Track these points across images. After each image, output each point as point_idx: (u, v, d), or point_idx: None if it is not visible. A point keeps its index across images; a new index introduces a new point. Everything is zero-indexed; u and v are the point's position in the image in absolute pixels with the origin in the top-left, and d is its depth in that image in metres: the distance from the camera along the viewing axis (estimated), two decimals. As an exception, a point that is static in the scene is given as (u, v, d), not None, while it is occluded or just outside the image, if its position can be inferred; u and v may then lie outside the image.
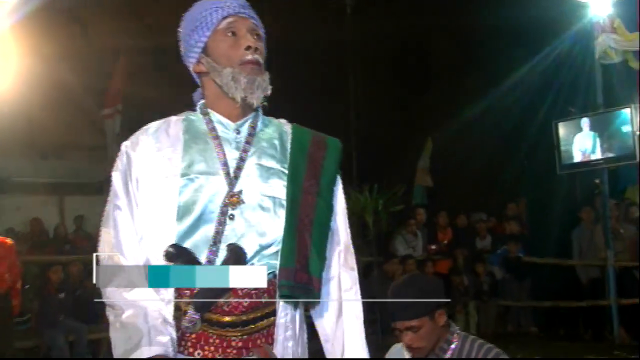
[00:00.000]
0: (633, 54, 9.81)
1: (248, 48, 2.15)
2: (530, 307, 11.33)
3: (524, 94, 13.85)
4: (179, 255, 2.03)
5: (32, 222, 12.90)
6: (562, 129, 11.02)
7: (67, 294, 9.25)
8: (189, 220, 2.07)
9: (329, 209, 2.25)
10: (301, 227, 2.15)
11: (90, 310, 9.22)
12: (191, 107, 2.37)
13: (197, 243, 2.07)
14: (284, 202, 2.16)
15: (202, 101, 2.31)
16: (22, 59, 9.09)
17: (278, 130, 2.33)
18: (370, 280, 11.37)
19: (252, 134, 2.24)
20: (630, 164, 10.70)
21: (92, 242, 13.61)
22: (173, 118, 2.30)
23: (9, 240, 7.83)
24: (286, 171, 2.21)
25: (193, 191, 2.11)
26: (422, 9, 16.96)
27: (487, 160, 15.29)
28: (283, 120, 2.41)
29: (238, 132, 2.23)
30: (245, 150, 2.20)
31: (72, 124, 14.69)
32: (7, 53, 8.18)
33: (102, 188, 13.60)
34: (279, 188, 2.16)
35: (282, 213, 2.16)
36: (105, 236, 2.12)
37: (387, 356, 3.21)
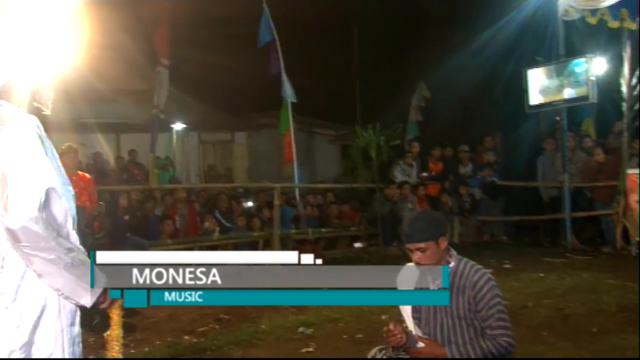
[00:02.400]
0: (589, 11, 9.72)
1: None
2: (502, 221, 11.67)
3: (499, 45, 13.63)
4: None
5: (95, 155, 13.38)
6: (530, 75, 10.99)
7: (130, 215, 9.59)
8: None
9: None
10: None
11: (149, 228, 9.70)
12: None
13: None
14: None
15: None
16: (88, 23, 9.30)
17: None
18: (374, 200, 11.82)
19: None
20: (585, 103, 10.95)
21: (143, 171, 14.12)
22: None
23: (87, 175, 8.14)
24: None
25: None
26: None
27: (468, 100, 15.32)
28: None
29: None
30: None
31: (123, 73, 14.82)
32: (76, 20, 8.31)
33: (147, 127, 14.10)
34: None
35: None
36: None
37: (401, 272, 3.14)
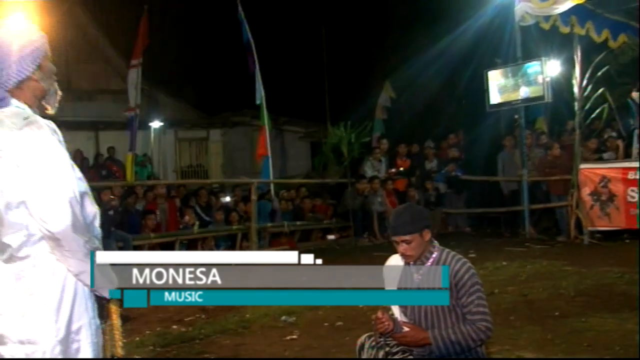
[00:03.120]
0: (543, 18, 9.77)
1: None
2: (465, 213, 11.86)
3: (461, 48, 13.70)
4: None
5: (75, 152, 13.11)
6: (490, 76, 10.98)
7: (113, 211, 9.37)
8: None
9: None
10: None
11: (131, 223, 9.63)
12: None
13: None
14: None
15: None
16: (63, 23, 8.99)
17: None
18: (345, 194, 11.91)
19: None
20: (540, 103, 11.04)
21: (121, 167, 13.97)
22: None
23: None
24: None
25: None
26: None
27: (432, 100, 15.37)
28: None
29: None
30: None
31: (100, 73, 14.61)
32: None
33: (125, 124, 13.92)
34: None
35: None
36: None
37: (386, 263, 3.25)
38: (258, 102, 13.26)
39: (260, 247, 10.46)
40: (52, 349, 1.91)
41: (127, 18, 12.91)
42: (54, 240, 1.89)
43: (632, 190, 9.07)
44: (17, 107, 2.03)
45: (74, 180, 1.94)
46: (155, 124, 17.60)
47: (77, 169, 2.03)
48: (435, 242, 3.09)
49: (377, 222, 11.51)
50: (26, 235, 1.92)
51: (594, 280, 6.36)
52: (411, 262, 3.02)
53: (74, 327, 1.96)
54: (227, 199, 12.22)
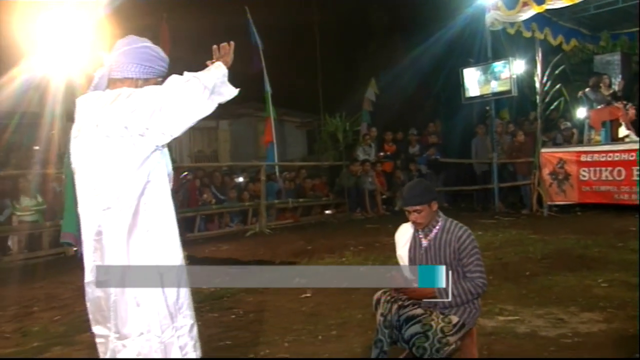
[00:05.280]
0: (509, 24, 9.81)
1: None
2: (443, 190, 11.82)
3: (439, 49, 13.70)
4: None
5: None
6: (465, 73, 11.09)
7: None
8: None
9: None
10: None
11: None
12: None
13: None
14: None
15: None
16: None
17: None
18: (341, 175, 12.01)
19: None
20: (508, 96, 11.09)
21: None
22: None
23: None
24: None
25: None
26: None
27: (414, 93, 15.30)
28: None
29: None
30: None
31: None
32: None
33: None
34: None
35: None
36: None
37: (399, 230, 3.25)
38: (267, 91, 13.29)
39: (269, 221, 10.56)
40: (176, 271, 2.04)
41: (149, 24, 12.84)
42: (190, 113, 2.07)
43: (584, 170, 9.17)
44: (108, 93, 2.11)
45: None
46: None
47: None
48: (441, 212, 3.11)
49: (368, 199, 11.62)
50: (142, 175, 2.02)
51: (555, 246, 6.49)
52: (420, 229, 3.08)
53: (171, 262, 2.06)
54: (240, 179, 12.26)
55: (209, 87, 2.06)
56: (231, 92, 2.16)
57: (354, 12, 18.38)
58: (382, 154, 12.55)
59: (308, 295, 5.18)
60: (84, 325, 4.41)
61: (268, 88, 13.18)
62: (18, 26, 7.19)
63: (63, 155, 10.51)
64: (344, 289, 5.28)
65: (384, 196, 11.96)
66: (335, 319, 4.25)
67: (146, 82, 2.11)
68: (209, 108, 2.06)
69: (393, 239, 3.23)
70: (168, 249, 2.02)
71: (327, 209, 11.97)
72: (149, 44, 2.14)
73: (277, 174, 12.36)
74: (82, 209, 2.03)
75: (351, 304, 4.65)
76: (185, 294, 2.03)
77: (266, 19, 14.44)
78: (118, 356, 1.95)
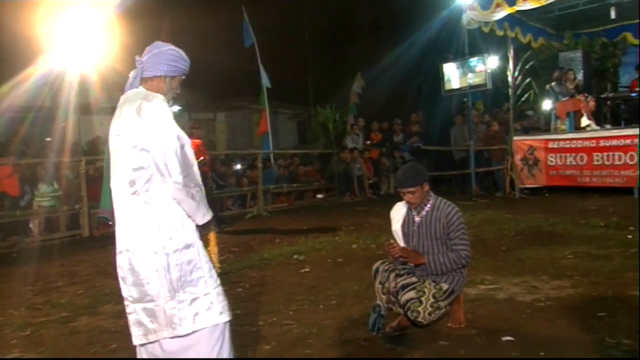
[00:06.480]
0: (483, 23, 9.85)
1: None
2: None
3: (421, 45, 13.69)
4: None
5: (112, 132, 13.21)
6: (445, 68, 11.11)
7: None
8: None
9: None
10: None
11: None
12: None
13: None
14: None
15: None
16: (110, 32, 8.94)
17: None
18: (331, 162, 12.07)
19: None
20: (483, 89, 11.20)
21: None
22: None
23: (198, 140, 7.61)
24: None
25: None
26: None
27: (398, 86, 15.34)
28: None
29: None
30: None
31: (129, 70, 14.36)
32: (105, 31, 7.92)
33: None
34: None
35: None
36: None
37: (393, 209, 3.33)
38: (264, 86, 13.29)
39: (266, 204, 10.63)
40: (180, 254, 2.09)
41: (154, 24, 12.75)
42: (164, 174, 2.05)
43: (551, 156, 9.30)
44: (140, 90, 2.23)
45: (179, 133, 2.10)
46: (174, 108, 17.36)
47: (178, 127, 2.16)
48: (431, 192, 3.19)
49: (357, 184, 11.71)
50: (147, 173, 2.09)
51: (527, 224, 6.58)
52: (413, 207, 3.18)
53: (189, 241, 2.13)
54: (238, 166, 12.29)
55: (195, 190, 2.11)
56: (192, 210, 2.12)
57: (341, 12, 18.34)
58: (368, 142, 12.60)
59: (307, 270, 5.22)
60: (105, 297, 4.54)
61: (266, 82, 13.17)
62: (33, 25, 7.13)
63: (76, 146, 10.54)
64: (338, 263, 5.42)
65: (370, 181, 12.05)
66: (333, 290, 4.31)
67: (172, 79, 2.25)
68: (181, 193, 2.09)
69: (380, 220, 3.34)
70: (178, 230, 2.11)
71: (318, 193, 12.05)
72: (173, 47, 2.25)
73: (272, 161, 12.40)
74: (113, 189, 2.17)
75: (347, 277, 4.73)
76: (189, 272, 2.11)
77: (260, 19, 14.40)
78: (131, 316, 2.12)
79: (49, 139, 10.50)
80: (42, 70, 7.70)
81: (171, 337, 2.09)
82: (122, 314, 3.95)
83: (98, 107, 13.34)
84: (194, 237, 2.14)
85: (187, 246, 2.10)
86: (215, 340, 2.13)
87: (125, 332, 3.55)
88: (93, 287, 5.08)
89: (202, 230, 2.16)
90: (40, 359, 3.27)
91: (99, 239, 8.00)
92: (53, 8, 6.65)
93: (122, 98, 2.23)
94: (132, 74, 2.25)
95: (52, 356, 3.31)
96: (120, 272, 2.17)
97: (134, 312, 2.13)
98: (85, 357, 3.25)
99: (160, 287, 2.06)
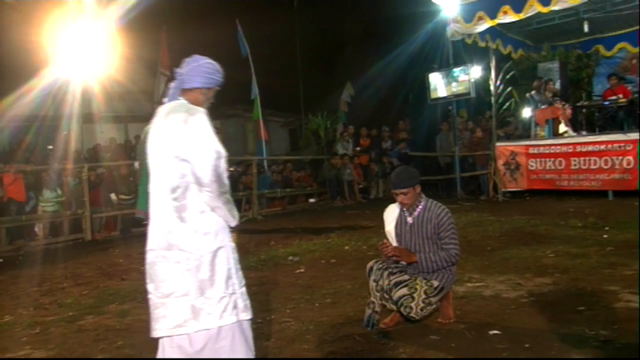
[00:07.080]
0: (467, 35, 9.89)
1: None
2: None
3: (408, 55, 13.74)
4: None
5: (110, 140, 13.10)
6: (431, 77, 11.12)
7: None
8: None
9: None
10: None
11: None
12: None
13: None
14: None
15: None
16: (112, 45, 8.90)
17: None
18: (323, 167, 12.10)
19: None
20: (467, 98, 11.29)
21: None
22: None
23: None
24: None
25: None
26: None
27: (386, 94, 15.47)
28: None
29: None
30: None
31: (129, 77, 14.31)
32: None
33: (148, 117, 13.71)
34: None
35: None
36: None
37: (386, 211, 3.34)
38: (253, 98, 13.31)
39: (260, 209, 10.64)
40: (212, 255, 2.14)
41: (151, 35, 12.73)
42: (201, 184, 2.12)
43: (532, 161, 9.37)
44: (182, 101, 2.27)
45: (218, 147, 2.15)
46: (171, 116, 17.25)
47: (217, 140, 2.20)
48: (423, 194, 3.22)
49: (347, 188, 11.74)
50: (186, 181, 2.14)
51: (510, 225, 6.64)
52: (406, 208, 3.22)
53: (222, 244, 2.18)
54: (232, 168, 12.28)
55: (227, 198, 2.17)
56: (225, 215, 2.20)
57: (331, 23, 18.43)
58: (358, 148, 12.64)
59: (302, 270, 5.23)
60: (109, 298, 4.55)
61: (256, 92, 13.19)
62: (37, 38, 7.13)
63: (79, 153, 10.51)
64: (331, 264, 5.42)
65: (360, 186, 12.09)
66: (328, 289, 4.33)
67: (209, 90, 2.31)
68: (214, 194, 2.14)
69: (371, 223, 3.35)
70: (212, 234, 2.17)
71: (310, 198, 12.07)
72: (209, 60, 2.30)
73: (266, 167, 12.42)
74: (151, 193, 2.22)
75: (341, 277, 4.75)
76: (219, 272, 2.16)
77: (253, 30, 14.48)
78: (157, 310, 2.15)
79: (51, 147, 10.47)
80: (46, 81, 7.69)
81: (197, 331, 2.12)
82: (126, 313, 4.03)
83: (100, 116, 13.37)
84: (226, 240, 2.20)
85: (219, 248, 2.17)
86: (240, 335, 2.19)
87: (130, 330, 3.61)
88: (97, 287, 5.08)
89: (231, 231, 2.25)
90: (49, 358, 3.28)
91: (101, 242, 8.02)
92: (56, 22, 6.65)
93: (165, 108, 2.26)
94: (171, 85, 2.30)
95: (62, 353, 3.32)
96: (149, 269, 2.20)
97: (162, 306, 2.14)
98: (93, 353, 3.27)
99: (190, 285, 2.11)
